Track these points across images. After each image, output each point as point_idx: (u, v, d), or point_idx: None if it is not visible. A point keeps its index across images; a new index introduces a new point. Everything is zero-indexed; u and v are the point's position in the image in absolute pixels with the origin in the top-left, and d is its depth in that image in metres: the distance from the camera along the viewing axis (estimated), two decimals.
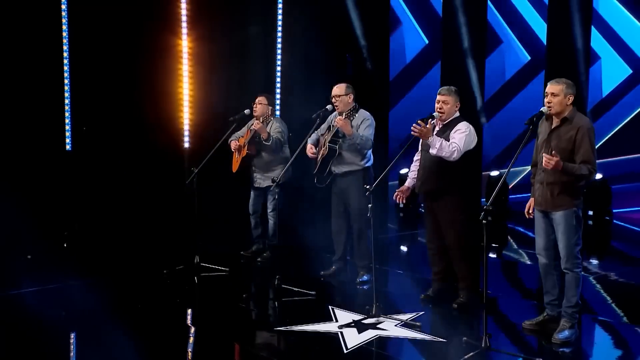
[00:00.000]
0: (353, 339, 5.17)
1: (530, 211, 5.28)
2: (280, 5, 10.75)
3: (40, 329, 5.49)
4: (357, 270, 6.87)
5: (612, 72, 11.03)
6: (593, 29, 10.51)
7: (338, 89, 6.65)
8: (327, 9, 11.13)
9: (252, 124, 7.39)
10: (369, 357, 5.09)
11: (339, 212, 6.85)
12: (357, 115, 6.53)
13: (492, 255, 8.24)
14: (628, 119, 10.84)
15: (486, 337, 4.76)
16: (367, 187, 5.54)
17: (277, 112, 10.66)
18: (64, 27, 8.94)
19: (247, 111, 7.44)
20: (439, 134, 5.79)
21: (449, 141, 5.64)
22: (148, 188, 9.44)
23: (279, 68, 10.83)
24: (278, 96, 10.78)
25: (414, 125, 5.55)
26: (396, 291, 6.96)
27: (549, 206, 5.07)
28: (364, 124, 6.53)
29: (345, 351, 4.96)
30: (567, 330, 5.10)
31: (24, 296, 6.36)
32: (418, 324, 5.45)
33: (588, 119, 5.08)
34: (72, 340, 5.53)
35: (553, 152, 4.87)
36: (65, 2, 8.90)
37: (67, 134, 9.06)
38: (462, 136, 5.68)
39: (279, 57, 10.82)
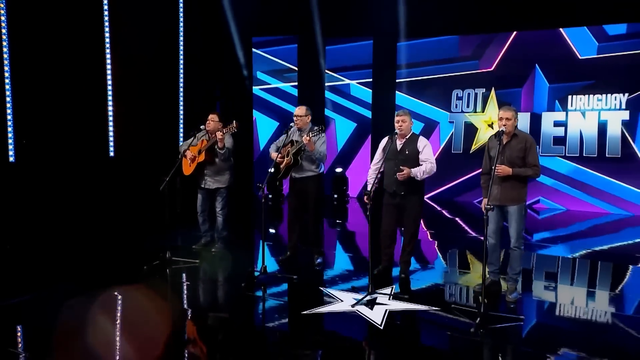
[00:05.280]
0: (373, 315, 4.53)
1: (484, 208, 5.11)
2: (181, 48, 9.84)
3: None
4: (312, 254, 6.27)
5: None
6: None
7: (300, 111, 6.06)
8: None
9: (203, 135, 6.64)
10: (403, 331, 4.46)
11: (295, 208, 6.24)
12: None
13: None
14: None
15: (483, 304, 4.51)
16: (367, 192, 5.01)
17: (181, 128, 9.82)
18: (5, 50, 7.26)
19: (202, 126, 6.59)
20: (404, 148, 5.48)
21: (418, 152, 5.42)
22: (83, 193, 8.08)
23: (181, 91, 9.82)
24: (182, 113, 9.79)
25: (398, 174, 5.31)
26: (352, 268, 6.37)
27: (507, 201, 4.96)
28: (320, 140, 5.97)
29: (380, 328, 4.32)
30: (515, 292, 5.07)
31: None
32: (406, 296, 5.04)
33: (529, 134, 5.07)
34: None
35: (495, 166, 4.81)
36: (6, 27, 7.18)
37: (10, 146, 7.32)
38: (429, 150, 5.44)
39: (181, 83, 9.81)
